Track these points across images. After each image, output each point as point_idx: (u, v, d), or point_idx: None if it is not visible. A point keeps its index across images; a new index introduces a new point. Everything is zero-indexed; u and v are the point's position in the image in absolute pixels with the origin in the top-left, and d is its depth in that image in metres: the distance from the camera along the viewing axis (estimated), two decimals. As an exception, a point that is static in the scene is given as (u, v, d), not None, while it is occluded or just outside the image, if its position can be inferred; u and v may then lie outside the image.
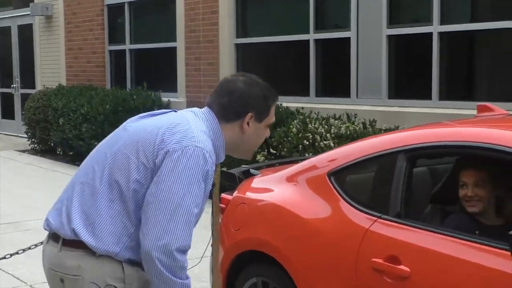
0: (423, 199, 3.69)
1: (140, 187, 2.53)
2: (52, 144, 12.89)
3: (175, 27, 11.32)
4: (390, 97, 8.35)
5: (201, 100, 10.76)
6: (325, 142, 7.21)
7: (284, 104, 8.78)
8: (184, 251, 2.49)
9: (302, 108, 8.69)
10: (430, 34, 7.80)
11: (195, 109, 2.71)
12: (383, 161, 3.54)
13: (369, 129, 7.40)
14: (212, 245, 2.91)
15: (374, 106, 8.37)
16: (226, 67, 10.47)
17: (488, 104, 4.07)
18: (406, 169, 3.40)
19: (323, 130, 7.40)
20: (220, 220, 3.66)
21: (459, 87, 8.02)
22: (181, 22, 11.14)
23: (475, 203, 3.42)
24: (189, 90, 11.14)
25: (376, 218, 3.40)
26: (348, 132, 7.31)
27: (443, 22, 7.73)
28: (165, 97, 11.37)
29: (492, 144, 3.10)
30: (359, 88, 8.71)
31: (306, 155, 6.74)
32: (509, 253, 2.77)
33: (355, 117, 7.91)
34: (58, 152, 12.57)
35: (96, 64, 13.45)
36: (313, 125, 7.59)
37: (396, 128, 6.80)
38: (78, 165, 12.77)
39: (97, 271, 2.56)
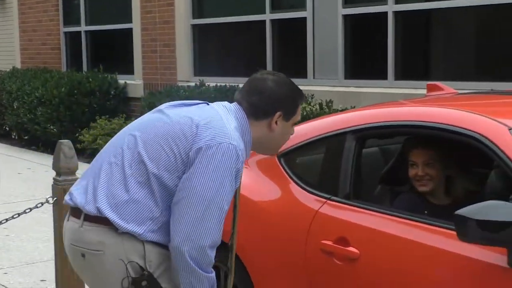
0: (373, 180, 3.66)
1: (170, 176, 2.57)
2: (6, 129, 12.66)
3: (130, 8, 11.15)
4: (346, 77, 8.33)
5: (158, 82, 10.65)
6: (281, 123, 7.15)
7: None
8: (214, 247, 2.56)
9: (259, 89, 8.62)
10: (385, 13, 7.78)
11: (226, 103, 2.75)
12: (332, 142, 3.50)
13: (326, 110, 7.37)
14: (232, 241, 3.00)
15: (330, 86, 8.35)
16: (183, 48, 10.35)
17: (438, 83, 4.05)
18: (355, 149, 3.37)
19: (279, 111, 7.33)
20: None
21: (414, 67, 8.03)
22: (137, 2, 10.97)
23: (426, 182, 3.40)
24: (145, 72, 11.00)
25: (325, 200, 3.37)
26: (305, 113, 7.27)
27: (398, 1, 7.72)
28: (121, 80, 11.22)
29: (439, 123, 3.07)
30: (316, 68, 8.68)
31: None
32: (455, 232, 2.74)
33: (311, 98, 7.87)
34: (13, 137, 12.36)
35: (51, 46, 13.20)
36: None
37: (352, 109, 6.77)
38: (34, 149, 12.60)
39: (119, 247, 2.59)
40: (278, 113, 2.71)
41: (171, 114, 2.69)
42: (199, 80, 9.50)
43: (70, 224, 2.73)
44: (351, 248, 3.15)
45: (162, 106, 2.78)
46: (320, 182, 3.50)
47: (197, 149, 2.54)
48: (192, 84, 9.56)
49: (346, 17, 8.26)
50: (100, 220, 2.61)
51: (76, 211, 2.70)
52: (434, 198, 3.44)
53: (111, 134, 10.09)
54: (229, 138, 2.56)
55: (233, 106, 2.73)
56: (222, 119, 2.62)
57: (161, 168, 2.57)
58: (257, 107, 2.70)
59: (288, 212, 3.47)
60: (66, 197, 2.77)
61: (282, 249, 3.46)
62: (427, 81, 6.89)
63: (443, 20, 7.81)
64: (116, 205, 2.59)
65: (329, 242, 3.23)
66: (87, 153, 10.23)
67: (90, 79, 10.92)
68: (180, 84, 9.91)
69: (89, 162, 10.22)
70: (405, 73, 7.83)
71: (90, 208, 2.63)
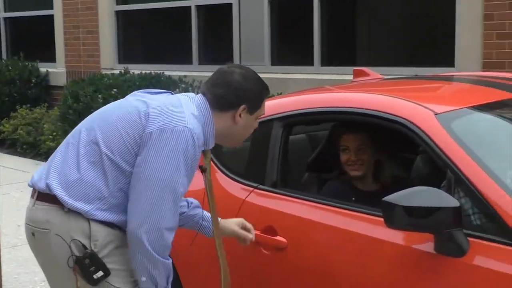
0: (301, 167, 3.61)
1: (123, 158, 2.60)
2: None
3: (51, -6, 10.84)
4: (273, 63, 8.29)
5: (81, 70, 10.38)
6: (208, 110, 7.07)
7: (167, 73, 8.58)
8: (171, 229, 2.58)
9: (185, 76, 8.52)
10: (311, 0, 7.76)
11: (191, 94, 2.77)
12: (258, 129, 3.41)
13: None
14: (213, 231, 2.95)
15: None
16: (106, 35, 10.12)
17: (364, 68, 4.03)
18: (282, 137, 3.31)
19: (206, 99, 7.24)
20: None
21: (340, 53, 8.05)
22: (58, -12, 10.67)
23: (358, 167, 3.38)
24: (68, 60, 10.72)
25: (252, 189, 3.30)
26: (231, 100, 7.19)
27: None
28: (43, 68, 10.91)
29: (366, 109, 3.04)
30: (242, 55, 8.61)
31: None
32: (382, 219, 2.71)
33: (238, 85, 7.79)
34: None
35: (-31, 33, 12.72)
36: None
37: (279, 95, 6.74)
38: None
39: (64, 226, 2.62)
40: (242, 106, 2.73)
41: (132, 99, 2.75)
42: (124, 67, 9.31)
43: (28, 204, 2.78)
44: (278, 237, 3.09)
45: (131, 94, 2.84)
46: (247, 171, 3.43)
47: (150, 132, 2.56)
48: (117, 71, 9.36)
49: (272, 3, 8.21)
50: (49, 198, 2.65)
51: (33, 191, 2.76)
52: (362, 184, 3.42)
53: (32, 123, 9.80)
54: (185, 122, 2.57)
55: (198, 96, 2.75)
56: (181, 105, 2.64)
57: (114, 150, 2.60)
58: (222, 99, 2.72)
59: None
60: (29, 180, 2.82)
61: (209, 240, 3.37)
62: (353, 67, 6.91)
63: (369, 6, 7.85)
64: (66, 183, 2.63)
65: (257, 232, 3.16)
66: (7, 144, 9.91)
67: (10, 67, 10.59)
68: (104, 71, 9.70)
69: (9, 153, 9.97)
70: (331, 59, 7.85)
71: (41, 185, 2.68)
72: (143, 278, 2.62)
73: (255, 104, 2.77)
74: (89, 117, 2.82)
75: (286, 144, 3.34)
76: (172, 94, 2.79)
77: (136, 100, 2.72)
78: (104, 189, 2.61)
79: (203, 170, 2.82)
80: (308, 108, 3.27)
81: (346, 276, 2.88)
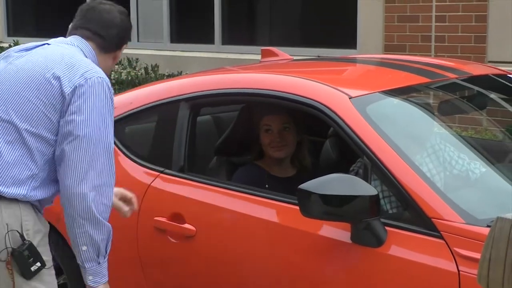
0: (209, 151, 3.45)
1: (44, 128, 2.43)
2: None
3: None
4: (172, 41, 8.09)
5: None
6: (104, 88, 6.82)
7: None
8: (110, 185, 2.47)
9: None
10: (213, -24, 7.61)
11: (67, 40, 2.62)
12: (164, 111, 3.25)
13: (151, 75, 7.12)
14: None
15: (156, 50, 8.07)
16: (-6, 6, 9.60)
17: (273, 48, 3.90)
18: (190, 118, 3.14)
19: (102, 76, 7.00)
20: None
21: (241, 32, 7.93)
22: None
23: (282, 148, 3.23)
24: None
25: (158, 173, 3.13)
26: (130, 78, 6.99)
27: (225, -37, 7.56)
28: None
29: (281, 91, 2.92)
30: (140, 31, 8.36)
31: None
32: (297, 207, 2.60)
33: (136, 62, 7.57)
34: None
35: None
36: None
37: (179, 74, 6.57)
38: None
39: None
40: (125, 45, 2.72)
41: (22, 62, 2.52)
42: (13, 40, 8.84)
43: None
44: (186, 225, 2.94)
45: (10, 52, 2.61)
46: (152, 154, 3.26)
47: (70, 91, 2.41)
48: (6, 45, 8.88)
49: (172, -22, 7.99)
50: None
51: None
52: (278, 169, 3.29)
53: None
54: (95, 71, 2.47)
55: (77, 41, 2.61)
56: (76, 54, 2.52)
57: (31, 120, 2.43)
58: (110, 40, 2.65)
59: (117, 186, 3.19)
60: None
61: (115, 227, 3.18)
62: (254, 46, 6.84)
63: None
64: None
65: (163, 219, 3.01)
66: None
67: None
68: (-8, 44, 9.19)
69: None
70: (232, 37, 7.72)
71: None
72: (84, 248, 2.45)
73: (128, 39, 2.77)
74: None
75: (193, 127, 3.17)
76: (49, 44, 2.59)
77: (29, 61, 2.50)
78: (32, 165, 2.44)
79: None
80: (219, 89, 3.12)
81: (258, 267, 2.77)
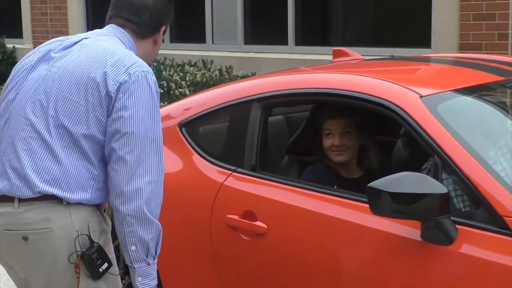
0: (281, 150, 3.50)
1: (96, 128, 2.41)
2: None
3: (18, -32, 10.56)
4: (246, 42, 8.17)
5: (49, 47, 10.15)
6: (180, 90, 6.95)
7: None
8: (160, 182, 2.42)
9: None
10: (286, -23, 7.65)
11: (105, 31, 2.58)
12: (237, 111, 3.31)
13: (225, 76, 7.21)
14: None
15: (230, 52, 8.16)
16: (75, 10, 9.89)
17: (344, 48, 3.92)
18: (261, 118, 3.19)
19: (178, 78, 7.15)
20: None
21: (314, 32, 7.96)
22: (25, -38, 10.40)
23: (343, 152, 3.24)
24: (35, 36, 10.47)
25: (230, 172, 3.19)
26: (204, 80, 7.09)
27: (299, -35, 7.60)
28: (9, 44, 10.65)
29: (351, 91, 2.94)
30: (215, 33, 8.47)
31: (161, 104, 6.45)
32: (367, 205, 2.62)
33: (211, 64, 7.68)
34: None
35: None
36: (167, 72, 7.30)
37: (253, 75, 6.64)
38: None
39: (66, 220, 2.40)
40: (163, 28, 2.67)
41: (64, 63, 2.47)
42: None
43: (1, 210, 2.45)
44: (258, 223, 2.99)
45: (39, 55, 2.53)
46: (224, 154, 3.32)
47: (116, 89, 2.38)
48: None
49: (245, -20, 8.08)
50: (39, 198, 2.40)
51: (3, 198, 2.44)
52: (345, 171, 3.30)
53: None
54: (138, 65, 2.43)
55: (116, 31, 2.58)
56: (117, 49, 2.49)
57: (83, 123, 2.40)
58: (144, 26, 2.61)
59: (191, 185, 3.27)
60: None
61: (186, 225, 3.27)
62: (327, 46, 6.85)
63: (343, -15, 7.76)
64: (54, 179, 2.39)
65: (235, 217, 3.06)
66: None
67: (-25, 43, 10.33)
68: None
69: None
70: (305, 38, 7.75)
71: (22, 192, 2.40)
72: (133, 247, 2.41)
73: (169, 22, 2.72)
74: (20, 98, 2.49)
75: (265, 126, 3.22)
76: (87, 38, 2.55)
77: (70, 61, 2.46)
78: (91, 167, 2.44)
79: None
80: (290, 89, 3.16)
81: (328, 263, 2.80)
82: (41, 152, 2.41)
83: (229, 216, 3.08)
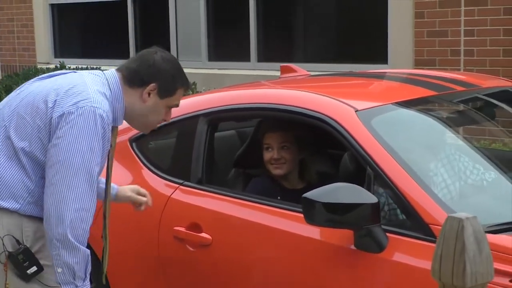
0: (228, 164, 3.61)
1: (36, 147, 2.55)
2: None
3: (-16, -14, 10.59)
4: (210, 59, 8.27)
5: (16, 64, 10.18)
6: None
7: (103, 67, 8.46)
8: (88, 211, 2.52)
9: (122, 71, 8.43)
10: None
11: (97, 71, 2.73)
12: (184, 125, 3.41)
13: (189, 92, 7.28)
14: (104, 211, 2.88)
15: (194, 68, 8.25)
16: (42, 29, 9.95)
17: (291, 64, 4.04)
18: (207, 133, 3.29)
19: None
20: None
21: (277, 49, 8.07)
22: (-9, -20, 10.44)
23: (281, 166, 3.35)
24: (3, 54, 10.49)
25: (177, 185, 3.28)
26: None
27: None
28: (-24, 62, 10.65)
29: (288, 105, 3.05)
30: (179, 50, 8.57)
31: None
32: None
33: (175, 80, 7.74)
34: None
35: None
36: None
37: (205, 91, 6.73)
38: None
39: None
40: (152, 85, 2.66)
41: (35, 86, 2.67)
42: (59, 62, 9.16)
43: None
44: (203, 234, 3.09)
45: (29, 81, 2.75)
46: (172, 167, 3.41)
47: (58, 116, 2.51)
48: (52, 66, 9.20)
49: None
50: None
51: None
52: (287, 182, 3.42)
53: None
54: (91, 101, 2.53)
55: (108, 72, 2.71)
56: (86, 84, 2.59)
57: (26, 140, 2.56)
58: (134, 73, 2.67)
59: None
60: None
61: (135, 236, 3.36)
62: (290, 63, 6.97)
63: (304, 2, 7.89)
64: None
65: (182, 229, 3.15)
66: None
67: None
68: (39, 66, 9.52)
69: None
70: (267, 55, 7.87)
71: None
72: (59, 270, 2.52)
73: (166, 87, 2.68)
74: None
75: (211, 140, 3.33)
76: (76, 72, 2.74)
77: (39, 85, 2.65)
78: (27, 181, 2.57)
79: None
80: (231, 105, 3.27)
81: (270, 272, 2.90)
82: None
83: (176, 228, 3.17)
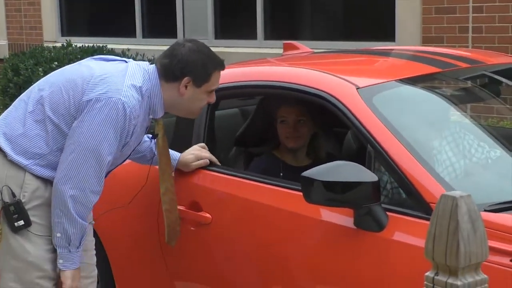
0: (229, 142, 3.57)
1: (63, 120, 2.74)
2: None
3: (-9, -36, 10.54)
4: (216, 37, 8.21)
5: (23, 43, 10.15)
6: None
7: (109, 46, 8.41)
8: (94, 192, 2.74)
9: (128, 49, 8.38)
10: (254, -28, 7.70)
11: (145, 63, 2.88)
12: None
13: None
14: (162, 197, 3.08)
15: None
16: (49, 7, 9.89)
17: (294, 42, 3.99)
18: (208, 111, 3.25)
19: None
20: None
21: (283, 26, 8.00)
22: (-2, -42, 10.39)
23: (297, 140, 3.32)
24: (10, 32, 10.45)
25: (178, 163, 3.24)
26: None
27: (266, -40, 7.64)
28: (-17, 40, 10.63)
29: (289, 82, 3.00)
30: (186, 28, 8.51)
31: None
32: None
33: (181, 58, 7.70)
34: None
35: None
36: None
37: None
38: None
39: (2, 171, 2.77)
40: (186, 78, 2.78)
41: (84, 63, 2.87)
42: (66, 40, 9.11)
43: None
44: (203, 213, 3.06)
45: (86, 59, 2.94)
46: (173, 146, 3.37)
47: (87, 101, 2.69)
48: (59, 44, 9.16)
49: (215, -24, 8.12)
50: None
51: None
52: (295, 159, 3.37)
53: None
54: (121, 94, 2.68)
55: (150, 66, 2.84)
56: (124, 76, 2.74)
57: (57, 112, 2.74)
58: (167, 70, 2.79)
59: (140, 176, 3.33)
60: None
61: (135, 217, 3.34)
62: (296, 41, 6.90)
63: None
64: (11, 135, 2.78)
65: (182, 207, 3.13)
66: None
67: (-51, 40, 10.30)
68: (46, 44, 9.48)
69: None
70: (274, 32, 7.79)
71: None
72: (58, 234, 2.73)
73: (201, 77, 2.80)
74: (47, 76, 2.93)
75: (212, 119, 3.29)
76: (126, 62, 2.86)
77: (86, 65, 2.85)
78: (44, 147, 2.76)
79: (154, 136, 2.98)
80: (233, 82, 3.23)
81: (269, 252, 2.87)
82: (19, 114, 2.80)
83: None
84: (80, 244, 2.77)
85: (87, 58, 2.95)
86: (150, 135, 3.09)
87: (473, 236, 1.37)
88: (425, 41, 6.34)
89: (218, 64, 2.87)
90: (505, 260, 2.26)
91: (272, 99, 3.41)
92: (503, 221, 2.34)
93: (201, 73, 2.80)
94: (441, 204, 1.40)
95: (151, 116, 2.86)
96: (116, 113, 2.67)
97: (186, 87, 2.79)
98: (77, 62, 2.96)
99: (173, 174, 3.08)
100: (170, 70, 2.78)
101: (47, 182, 2.79)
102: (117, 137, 2.70)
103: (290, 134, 3.30)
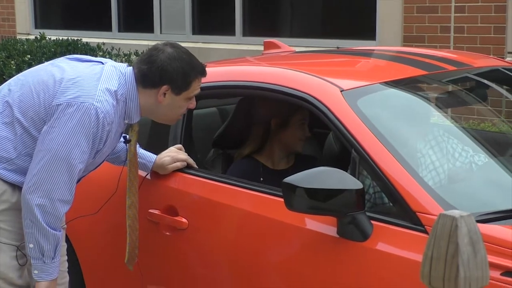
0: (207, 143, 3.44)
1: (32, 123, 2.62)
2: None
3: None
4: (194, 32, 8.09)
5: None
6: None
7: (84, 40, 8.26)
8: (64, 202, 2.61)
9: (103, 43, 8.23)
10: (233, -33, 7.58)
11: (122, 66, 2.74)
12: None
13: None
14: (127, 210, 2.95)
15: (178, 42, 8.07)
16: (22, 2, 9.71)
17: (275, 40, 3.87)
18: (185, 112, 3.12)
19: (123, 68, 7.02)
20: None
21: (262, 23, 7.90)
22: None
23: (304, 143, 3.26)
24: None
25: (153, 166, 3.11)
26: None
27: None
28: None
29: (272, 84, 2.89)
30: (163, 22, 8.38)
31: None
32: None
33: (157, 54, 7.57)
34: None
35: None
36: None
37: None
38: None
39: None
40: (165, 87, 2.67)
41: (56, 63, 2.74)
42: (40, 33, 8.93)
43: None
44: (179, 218, 2.94)
45: (58, 58, 2.82)
46: (149, 147, 3.25)
47: (57, 105, 2.57)
48: (32, 37, 8.97)
49: (193, -30, 7.99)
50: None
51: None
52: (274, 163, 3.26)
53: None
54: (94, 98, 2.56)
55: (127, 69, 2.72)
56: (98, 80, 2.62)
57: (25, 113, 2.62)
58: (145, 76, 2.67)
59: (114, 178, 3.20)
60: None
61: (109, 220, 3.20)
62: (274, 38, 6.80)
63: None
64: None
65: (157, 212, 3.01)
66: None
67: None
68: (19, 37, 9.29)
69: None
70: (253, 29, 7.70)
71: None
72: (31, 245, 2.62)
73: (180, 86, 2.68)
74: (18, 75, 2.81)
75: (189, 119, 3.16)
76: (103, 63, 2.74)
77: (58, 65, 2.72)
78: (12, 150, 2.64)
79: (127, 141, 2.85)
80: (212, 82, 3.10)
81: (248, 260, 2.75)
82: None
83: (150, 211, 3.03)
84: (55, 255, 2.64)
85: (61, 58, 2.82)
86: (126, 136, 2.95)
87: (473, 260, 1.27)
88: (406, 40, 6.27)
89: (199, 72, 2.73)
90: (496, 274, 2.16)
91: (282, 103, 3.28)
92: (494, 233, 2.25)
93: (181, 82, 2.68)
94: (439, 225, 1.29)
95: (126, 121, 2.74)
96: (88, 119, 2.54)
97: (164, 94, 2.68)
98: (50, 62, 2.81)
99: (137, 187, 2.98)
100: (148, 77, 2.66)
101: (15, 186, 2.67)
102: (90, 144, 2.58)
103: (305, 137, 3.23)
